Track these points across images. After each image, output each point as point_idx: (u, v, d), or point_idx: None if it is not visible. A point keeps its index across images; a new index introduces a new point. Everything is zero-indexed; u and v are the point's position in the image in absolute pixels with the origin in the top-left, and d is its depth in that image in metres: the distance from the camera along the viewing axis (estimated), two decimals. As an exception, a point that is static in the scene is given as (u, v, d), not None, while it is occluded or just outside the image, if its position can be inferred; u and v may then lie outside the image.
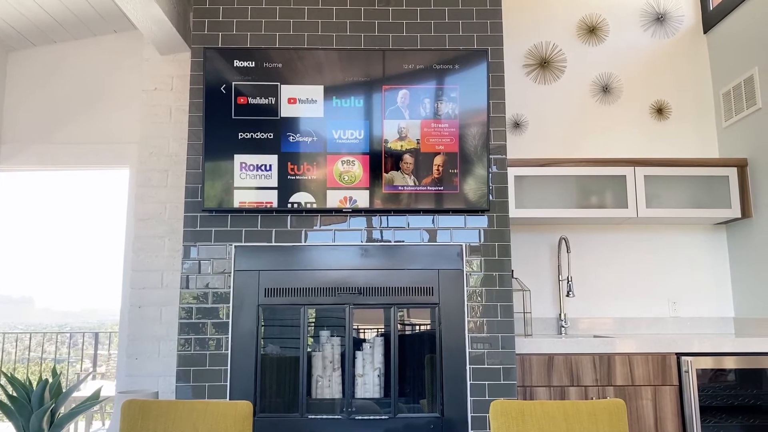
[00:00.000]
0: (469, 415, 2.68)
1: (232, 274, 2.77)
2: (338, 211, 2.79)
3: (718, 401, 2.77)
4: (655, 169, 3.24)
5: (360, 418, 2.70)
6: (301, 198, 2.76)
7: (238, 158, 2.77)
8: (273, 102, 2.80)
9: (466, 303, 2.77)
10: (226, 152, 2.77)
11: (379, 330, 2.86)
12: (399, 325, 2.80)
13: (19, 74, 3.65)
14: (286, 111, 2.80)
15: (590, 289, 3.47)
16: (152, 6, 2.81)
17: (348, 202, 2.77)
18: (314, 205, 2.76)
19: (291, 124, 2.79)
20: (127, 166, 3.51)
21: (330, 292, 2.77)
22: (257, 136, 2.78)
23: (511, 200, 3.17)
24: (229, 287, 2.76)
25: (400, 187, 2.78)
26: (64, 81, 3.63)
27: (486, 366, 2.73)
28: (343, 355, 2.78)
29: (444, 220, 2.84)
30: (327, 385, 2.80)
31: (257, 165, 2.77)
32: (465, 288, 2.78)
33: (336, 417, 2.70)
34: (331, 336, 2.84)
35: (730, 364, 2.79)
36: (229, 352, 2.71)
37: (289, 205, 2.75)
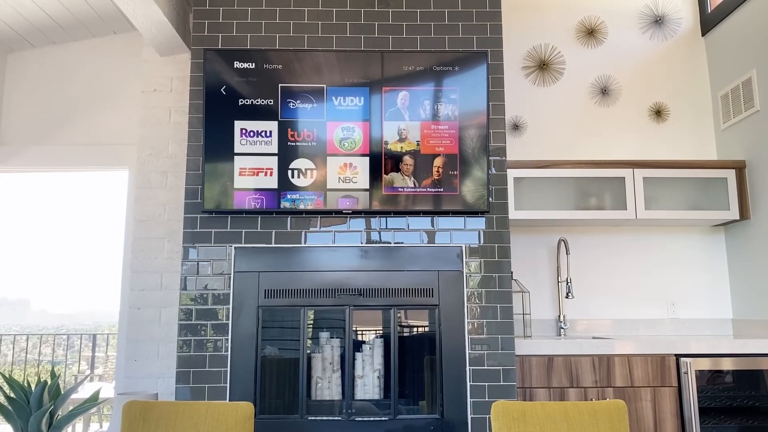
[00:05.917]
0: (469, 417, 2.68)
1: (231, 275, 2.77)
2: (338, 213, 2.79)
3: (716, 402, 2.78)
4: (653, 170, 3.24)
5: (360, 419, 2.69)
6: (299, 192, 2.76)
7: (238, 160, 2.76)
8: (273, 103, 2.80)
9: (465, 304, 2.77)
10: (225, 154, 2.77)
11: (379, 331, 2.86)
12: (399, 327, 2.80)
13: (18, 75, 3.64)
14: (285, 113, 2.80)
15: (589, 291, 3.47)
16: (152, 7, 2.81)
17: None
18: (312, 203, 2.76)
19: (290, 125, 2.79)
20: (127, 168, 3.51)
21: (330, 294, 2.77)
22: (256, 137, 2.78)
23: (510, 202, 3.17)
24: (229, 288, 2.76)
25: (399, 189, 2.78)
26: (64, 82, 3.62)
27: (486, 367, 2.73)
28: (342, 357, 2.78)
29: (443, 222, 2.84)
30: (327, 386, 2.80)
31: (257, 167, 2.76)
32: (464, 289, 2.79)
33: (336, 418, 2.70)
34: (331, 337, 2.84)
35: (728, 365, 2.80)
36: (229, 353, 2.71)
37: (287, 204, 2.75)
